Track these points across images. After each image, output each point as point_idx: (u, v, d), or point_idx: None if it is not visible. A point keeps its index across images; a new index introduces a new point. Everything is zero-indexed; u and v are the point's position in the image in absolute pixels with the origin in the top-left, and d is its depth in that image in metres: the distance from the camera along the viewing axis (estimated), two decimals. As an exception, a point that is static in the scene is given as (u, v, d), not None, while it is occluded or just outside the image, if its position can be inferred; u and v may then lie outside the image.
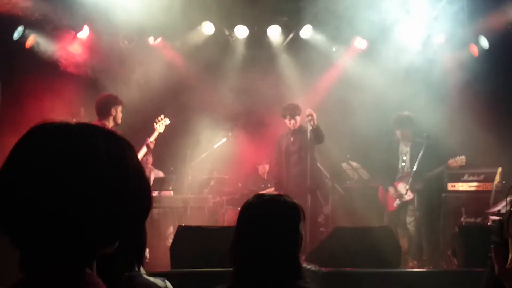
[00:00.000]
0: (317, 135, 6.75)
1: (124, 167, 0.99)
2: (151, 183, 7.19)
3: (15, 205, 0.93)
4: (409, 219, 7.00)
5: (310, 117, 6.64)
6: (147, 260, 3.21)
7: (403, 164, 7.16)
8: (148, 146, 6.15)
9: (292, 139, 6.99)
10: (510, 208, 1.22)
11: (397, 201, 7.01)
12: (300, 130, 6.93)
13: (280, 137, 7.20)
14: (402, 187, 7.00)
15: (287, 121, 6.99)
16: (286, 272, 2.01)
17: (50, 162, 0.93)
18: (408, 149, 7.14)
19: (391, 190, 7.07)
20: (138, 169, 1.02)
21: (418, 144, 7.02)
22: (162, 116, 6.46)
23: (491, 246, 2.63)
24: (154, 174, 7.67)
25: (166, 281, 2.20)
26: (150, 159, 7.70)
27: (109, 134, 1.02)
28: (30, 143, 0.97)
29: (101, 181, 0.95)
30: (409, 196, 6.92)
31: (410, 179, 6.90)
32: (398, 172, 7.18)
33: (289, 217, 2.09)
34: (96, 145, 0.97)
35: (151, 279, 2.12)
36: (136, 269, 2.07)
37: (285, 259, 2.02)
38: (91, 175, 0.94)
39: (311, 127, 6.67)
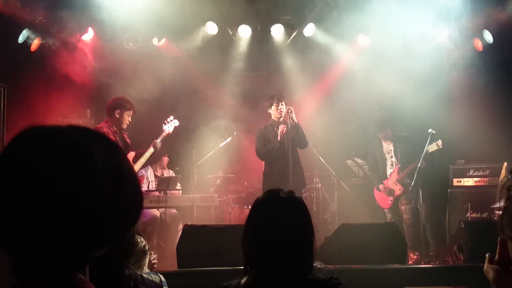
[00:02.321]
0: (299, 135, 6.32)
1: (119, 172, 0.97)
2: (156, 183, 7.23)
3: (6, 209, 0.90)
4: (405, 208, 7.05)
5: (290, 112, 6.25)
6: (155, 266, 3.25)
7: (390, 161, 7.24)
8: (155, 147, 6.20)
9: (279, 131, 6.29)
10: (505, 204, 1.23)
11: (391, 198, 7.11)
12: (286, 123, 6.34)
13: (263, 129, 6.54)
14: (392, 183, 7.10)
15: (274, 107, 6.37)
16: (300, 267, 2.03)
17: (43, 165, 0.91)
18: (391, 146, 7.25)
19: (381, 188, 7.17)
20: (131, 173, 1.01)
21: (399, 138, 7.20)
22: (171, 117, 6.51)
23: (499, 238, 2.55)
24: (166, 173, 7.69)
25: (160, 275, 2.23)
26: (166, 159, 7.74)
27: (101, 138, 1.00)
28: (21, 146, 0.94)
29: (96, 185, 0.93)
30: (399, 190, 7.02)
31: (396, 174, 7.10)
32: (387, 170, 7.26)
33: (302, 213, 2.12)
34: (90, 150, 0.95)
35: (146, 275, 2.15)
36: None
37: (299, 255, 2.04)
38: (85, 179, 0.92)
39: (293, 124, 6.26)
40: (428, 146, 6.81)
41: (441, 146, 6.77)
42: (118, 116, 6.01)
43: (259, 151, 6.47)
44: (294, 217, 2.08)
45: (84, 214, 0.92)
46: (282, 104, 6.38)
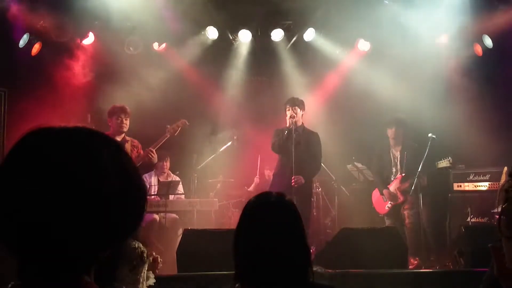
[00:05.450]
0: (310, 159, 6.49)
1: (126, 173, 0.97)
2: (157, 187, 7.23)
3: (15, 211, 0.89)
4: (408, 213, 7.02)
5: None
6: (158, 269, 3.22)
7: (396, 167, 7.21)
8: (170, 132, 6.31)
9: (295, 136, 6.33)
10: (502, 206, 1.22)
11: (388, 204, 7.08)
12: (304, 131, 6.54)
13: (279, 131, 6.59)
14: (393, 190, 7.07)
15: (287, 112, 6.49)
16: (293, 273, 1.97)
17: (53, 167, 0.90)
18: (398, 153, 7.20)
19: (385, 193, 7.14)
20: (137, 174, 1.01)
21: (408, 146, 7.12)
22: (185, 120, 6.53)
23: (489, 245, 2.51)
24: (170, 178, 7.68)
25: None
26: (168, 164, 7.74)
27: (106, 138, 1.00)
28: (28, 148, 0.93)
29: (107, 186, 0.92)
30: (399, 198, 6.99)
31: (399, 182, 7.03)
32: (391, 176, 7.23)
33: (292, 218, 2.06)
34: (99, 151, 0.95)
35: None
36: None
37: (292, 260, 1.97)
38: (96, 180, 0.92)
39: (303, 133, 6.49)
40: (438, 161, 6.81)
41: (451, 164, 6.77)
42: (110, 125, 6.23)
43: (273, 146, 6.56)
44: (284, 222, 2.02)
45: (96, 215, 0.91)
46: (292, 109, 6.45)
